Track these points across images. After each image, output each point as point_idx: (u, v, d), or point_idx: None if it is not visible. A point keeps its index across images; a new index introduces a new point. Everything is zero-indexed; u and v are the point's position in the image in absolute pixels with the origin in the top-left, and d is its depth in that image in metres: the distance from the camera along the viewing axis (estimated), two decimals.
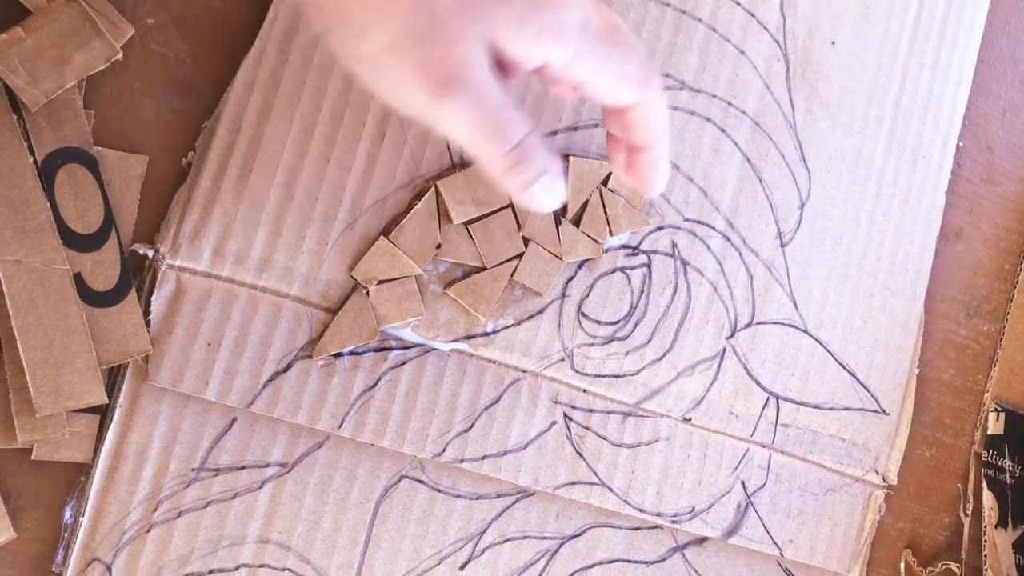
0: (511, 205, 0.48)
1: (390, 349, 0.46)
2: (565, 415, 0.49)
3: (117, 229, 0.43)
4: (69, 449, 0.42)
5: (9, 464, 0.42)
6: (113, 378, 0.43)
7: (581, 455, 0.49)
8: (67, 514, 0.42)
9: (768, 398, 0.53)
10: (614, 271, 0.50)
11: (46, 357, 0.40)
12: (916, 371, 0.57)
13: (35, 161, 0.41)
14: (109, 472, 0.42)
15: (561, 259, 0.49)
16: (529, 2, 0.35)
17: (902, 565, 0.57)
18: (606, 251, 0.50)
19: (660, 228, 0.51)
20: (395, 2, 0.34)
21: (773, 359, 0.53)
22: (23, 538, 0.42)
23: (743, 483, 0.53)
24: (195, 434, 0.44)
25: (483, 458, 0.47)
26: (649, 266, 0.51)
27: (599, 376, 0.50)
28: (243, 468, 0.44)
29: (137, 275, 0.43)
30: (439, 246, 0.47)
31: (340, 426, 0.45)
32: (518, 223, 0.48)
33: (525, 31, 0.35)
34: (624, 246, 0.50)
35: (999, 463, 0.59)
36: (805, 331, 0.54)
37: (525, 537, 0.48)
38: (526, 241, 0.48)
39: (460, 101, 0.34)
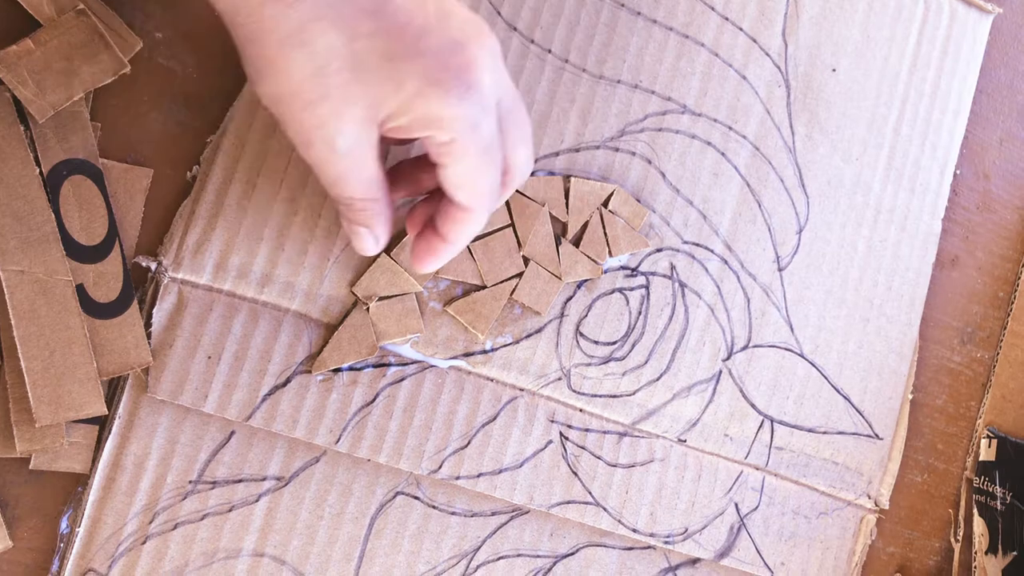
0: (512, 224, 0.48)
1: (389, 365, 0.47)
2: (561, 434, 0.49)
3: (120, 241, 0.43)
4: (67, 459, 0.42)
5: (7, 473, 0.42)
6: (113, 389, 0.43)
7: (576, 474, 0.49)
8: (64, 524, 0.42)
9: (763, 421, 0.53)
10: (613, 292, 0.51)
11: (47, 367, 0.40)
12: (910, 396, 0.57)
13: (41, 172, 0.41)
14: (106, 483, 0.42)
15: (560, 279, 0.49)
16: (420, 90, 0.36)
17: None
18: (605, 272, 0.50)
19: (659, 250, 0.52)
20: (286, 64, 0.36)
21: (768, 382, 0.54)
22: (19, 547, 0.42)
23: (736, 505, 0.53)
24: (193, 446, 0.44)
25: (479, 475, 0.48)
26: (647, 287, 0.51)
27: (596, 396, 0.50)
28: (240, 481, 0.44)
29: (139, 287, 0.44)
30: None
31: (337, 441, 0.45)
32: (519, 242, 0.49)
33: (404, 118, 0.37)
34: (623, 267, 0.51)
35: (990, 489, 0.59)
36: (801, 355, 0.54)
37: (519, 555, 0.49)
38: (526, 260, 0.49)
39: (313, 157, 0.38)
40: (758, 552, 0.53)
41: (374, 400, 0.46)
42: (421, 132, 0.38)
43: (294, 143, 0.39)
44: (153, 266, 0.44)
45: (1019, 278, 0.61)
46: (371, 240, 0.42)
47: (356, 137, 0.37)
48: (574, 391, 0.50)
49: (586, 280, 0.50)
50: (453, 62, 0.36)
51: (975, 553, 0.58)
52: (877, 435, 0.56)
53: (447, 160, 0.39)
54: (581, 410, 0.50)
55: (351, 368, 0.46)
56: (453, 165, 0.39)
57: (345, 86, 0.36)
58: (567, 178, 0.50)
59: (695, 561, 0.52)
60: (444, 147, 0.38)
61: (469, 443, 0.48)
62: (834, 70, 0.55)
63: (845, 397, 0.55)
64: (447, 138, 0.37)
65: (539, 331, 0.49)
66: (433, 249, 0.42)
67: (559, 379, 0.49)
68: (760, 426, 0.53)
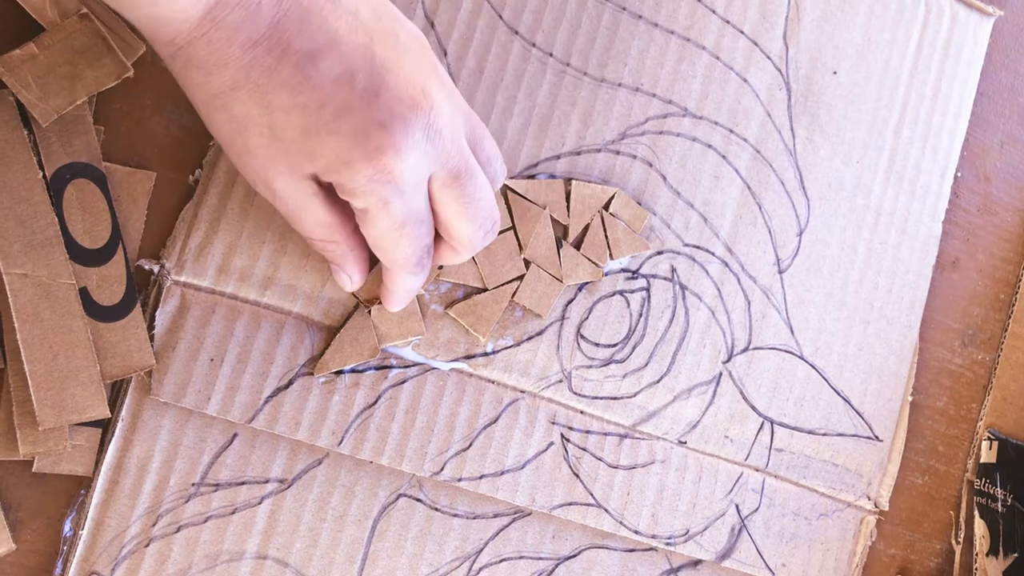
0: (513, 227, 0.49)
1: (390, 368, 0.47)
2: (562, 436, 0.50)
3: (124, 244, 0.43)
4: (70, 462, 0.42)
5: (10, 476, 0.42)
6: (116, 392, 0.43)
7: (578, 476, 0.50)
8: (67, 527, 0.43)
9: (763, 423, 0.54)
10: (613, 294, 0.51)
11: (50, 370, 0.41)
12: (910, 398, 0.57)
13: (44, 175, 0.42)
14: (110, 486, 0.43)
15: (561, 281, 0.49)
16: (330, 166, 0.37)
17: None
18: (606, 274, 0.51)
19: (660, 252, 0.52)
20: (211, 119, 0.39)
21: (769, 384, 0.54)
22: (22, 550, 0.42)
23: (737, 507, 0.53)
24: (196, 449, 0.44)
25: (481, 477, 0.48)
26: (648, 290, 0.51)
27: (596, 398, 0.50)
28: (243, 484, 0.45)
29: (142, 290, 0.44)
30: (441, 267, 0.47)
31: (340, 443, 0.46)
32: (520, 245, 0.49)
33: (326, 178, 0.38)
34: (624, 270, 0.51)
35: (991, 491, 0.59)
36: (801, 357, 0.55)
37: (521, 557, 0.49)
38: (527, 263, 0.49)
39: (263, 194, 0.40)
40: (759, 553, 0.53)
41: (376, 402, 0.46)
42: (340, 194, 0.39)
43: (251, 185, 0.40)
44: (156, 269, 0.44)
45: (1020, 280, 0.61)
46: (344, 278, 0.44)
47: (289, 187, 0.39)
48: (575, 393, 0.50)
49: (587, 283, 0.50)
50: (368, 145, 0.37)
51: (976, 555, 0.59)
52: (877, 437, 0.56)
53: (362, 225, 0.40)
54: (582, 412, 0.50)
55: (353, 370, 0.46)
56: (367, 231, 0.40)
57: (265, 148, 0.37)
58: (568, 181, 0.50)
59: (697, 563, 0.53)
60: (359, 213, 0.39)
61: (471, 445, 0.48)
62: (835, 73, 0.55)
63: (845, 399, 0.55)
64: (361, 206, 0.39)
65: (540, 333, 0.49)
66: (383, 297, 0.45)
67: (560, 381, 0.50)
68: (760, 428, 0.54)
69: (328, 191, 0.40)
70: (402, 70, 0.38)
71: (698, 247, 0.52)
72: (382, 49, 0.37)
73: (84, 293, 0.42)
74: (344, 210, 0.41)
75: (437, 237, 0.43)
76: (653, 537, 0.51)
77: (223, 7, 0.36)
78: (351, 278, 0.44)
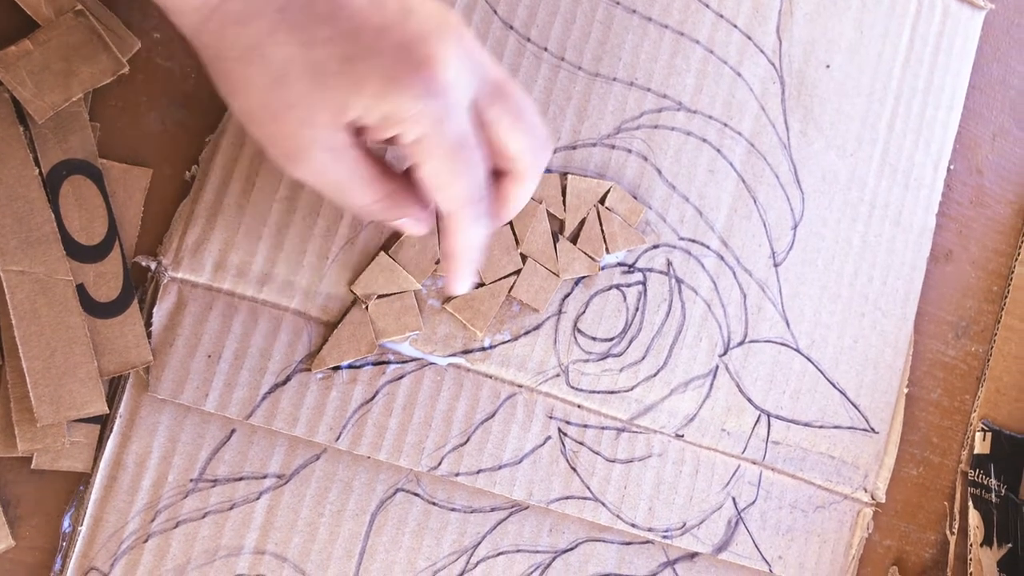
0: (509, 222, 0.49)
1: (388, 363, 0.47)
2: (560, 430, 0.50)
3: (120, 241, 0.43)
4: (69, 458, 0.42)
5: (9, 472, 0.42)
6: (114, 388, 0.43)
7: (575, 470, 0.50)
8: (66, 523, 0.43)
9: (759, 415, 0.54)
10: (610, 288, 0.51)
11: (48, 367, 0.41)
12: (905, 390, 0.58)
13: (40, 172, 0.42)
14: (108, 482, 0.43)
15: (558, 276, 0.49)
16: (379, 90, 0.36)
17: None
18: (602, 268, 0.51)
19: (656, 246, 0.52)
20: (247, 80, 0.37)
21: (765, 377, 0.54)
22: (22, 546, 0.42)
23: (734, 499, 0.53)
24: (194, 445, 0.44)
25: (478, 472, 0.48)
26: (644, 284, 0.52)
27: (594, 392, 0.50)
28: (241, 479, 0.45)
29: (139, 287, 0.44)
30: (438, 262, 0.47)
31: (337, 439, 0.46)
32: (516, 240, 0.49)
33: (370, 119, 0.37)
34: (620, 264, 0.51)
35: (985, 482, 0.59)
36: (797, 350, 0.55)
37: (518, 551, 0.49)
38: (524, 258, 0.49)
39: (303, 172, 0.38)
40: (756, 546, 0.54)
41: (374, 398, 0.46)
42: (389, 132, 0.37)
43: (281, 165, 0.39)
44: (153, 265, 0.44)
45: (1012, 272, 0.62)
46: (413, 224, 0.41)
47: (331, 142, 0.37)
48: (572, 387, 0.50)
49: (583, 277, 0.50)
50: (412, 58, 0.36)
51: (970, 545, 0.59)
52: (873, 429, 0.57)
53: (418, 160, 0.38)
54: (579, 406, 0.50)
55: (350, 366, 0.46)
56: (424, 165, 0.38)
57: (307, 94, 0.36)
58: (564, 175, 0.50)
59: (693, 555, 0.53)
60: (413, 147, 0.38)
61: (468, 440, 0.48)
62: (828, 66, 0.56)
63: (841, 391, 0.56)
64: (413, 137, 0.37)
65: (537, 328, 0.49)
66: (445, 270, 0.43)
67: (557, 375, 0.50)
68: (757, 421, 0.54)
69: (366, 150, 0.39)
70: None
71: (694, 241, 0.53)
72: None
73: (81, 289, 0.42)
74: (385, 166, 0.40)
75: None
76: (650, 530, 0.51)
77: None
78: (419, 220, 0.41)
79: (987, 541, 0.59)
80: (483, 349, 0.48)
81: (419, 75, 0.36)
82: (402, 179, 0.40)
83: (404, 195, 0.40)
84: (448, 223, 0.40)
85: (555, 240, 0.50)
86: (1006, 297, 0.61)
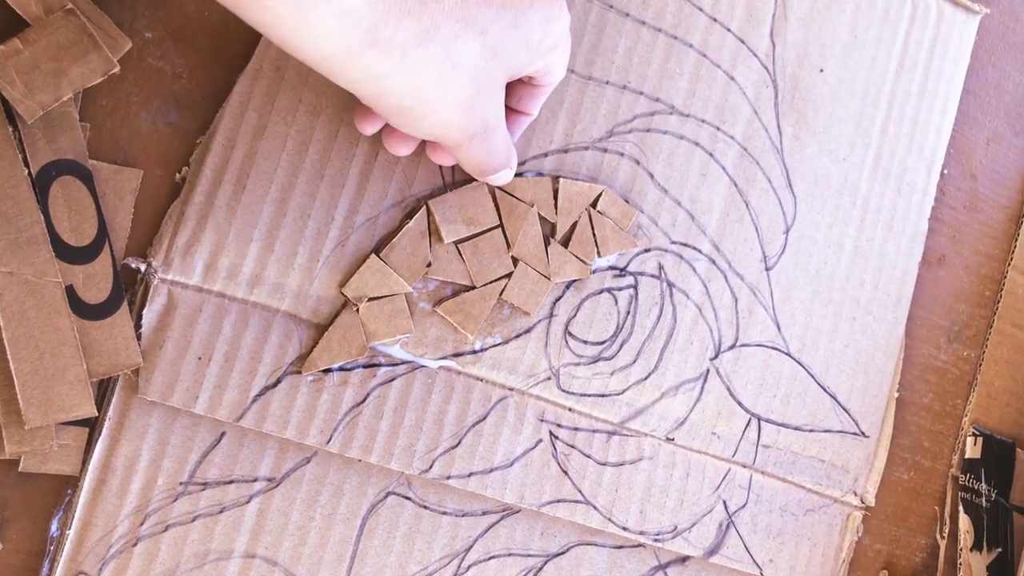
0: (501, 225, 0.49)
1: (379, 366, 0.47)
2: (551, 433, 0.50)
3: (110, 242, 0.43)
4: (57, 461, 0.42)
5: None
6: (103, 391, 0.43)
7: (566, 473, 0.50)
8: (54, 526, 0.42)
9: (750, 419, 0.54)
10: (601, 292, 0.51)
11: (36, 369, 0.40)
12: (896, 395, 0.58)
13: (30, 173, 0.41)
14: (97, 485, 0.42)
15: (549, 279, 0.49)
16: (543, 36, 0.42)
17: None
18: (594, 272, 0.51)
19: (647, 250, 0.52)
20: (444, 93, 0.40)
21: (756, 381, 0.54)
22: (8, 549, 0.42)
23: (724, 503, 0.53)
24: (184, 448, 0.44)
25: (469, 475, 0.48)
26: (636, 287, 0.51)
27: (585, 395, 0.50)
28: (231, 482, 0.44)
29: (129, 288, 0.44)
30: (429, 264, 0.47)
31: (328, 442, 0.45)
32: (508, 243, 0.49)
33: (544, 48, 0.43)
34: (612, 267, 0.51)
35: (976, 487, 0.59)
36: (788, 354, 0.55)
37: (510, 554, 0.49)
38: (515, 261, 0.49)
39: (480, 146, 0.43)
40: (747, 549, 0.54)
41: (364, 400, 0.46)
42: (541, 64, 0.44)
43: (468, 146, 0.43)
44: (143, 267, 0.44)
45: (1005, 277, 0.62)
46: (508, 172, 0.47)
47: (500, 109, 0.43)
48: (563, 390, 0.50)
49: (575, 280, 0.50)
50: (553, 4, 0.42)
51: (960, 550, 0.59)
52: (863, 433, 0.57)
53: (549, 79, 0.46)
54: (570, 409, 0.50)
55: (341, 368, 0.46)
56: (559, 65, 0.45)
57: (490, 74, 0.40)
58: (556, 179, 0.50)
59: (685, 559, 0.53)
60: (548, 72, 0.45)
61: (459, 443, 0.48)
62: (822, 70, 0.56)
63: (832, 395, 0.56)
64: (557, 58, 0.44)
65: (528, 331, 0.49)
66: (522, 124, 0.49)
67: (548, 379, 0.50)
68: (747, 424, 0.54)
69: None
70: None
71: (685, 244, 0.53)
72: None
73: (70, 291, 0.42)
74: None
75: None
76: (641, 534, 0.51)
77: None
78: (513, 167, 0.47)
79: (977, 545, 0.59)
80: (474, 352, 0.48)
81: (563, 10, 0.43)
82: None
83: (511, 143, 0.47)
84: (544, 91, 0.47)
85: (546, 243, 0.49)
86: (998, 302, 0.61)
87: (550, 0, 0.42)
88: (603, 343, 0.51)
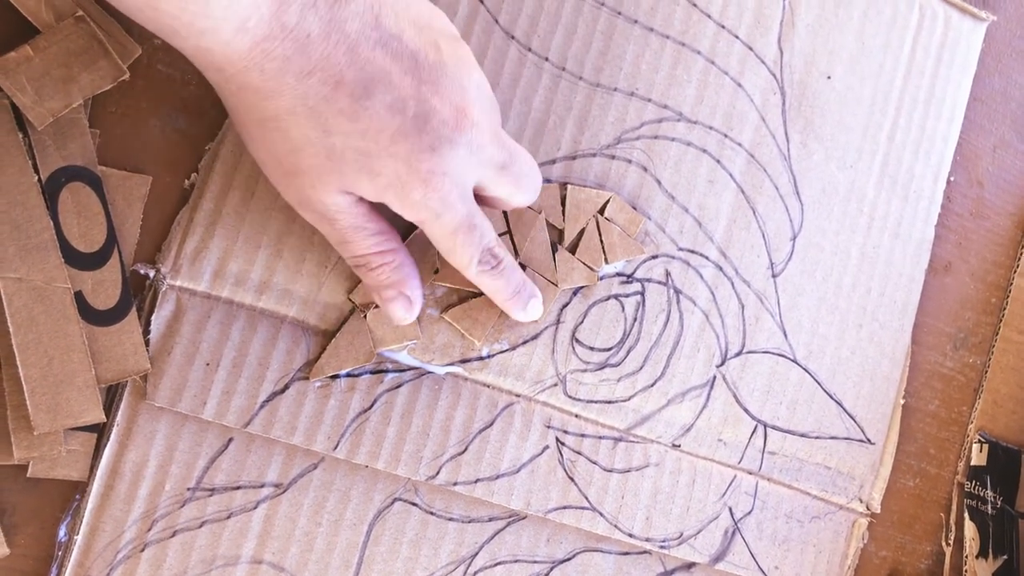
0: (509, 231, 0.49)
1: (386, 372, 0.47)
2: (557, 440, 0.50)
3: (119, 248, 0.43)
4: (65, 467, 0.42)
5: (4, 481, 0.42)
6: (111, 397, 0.43)
7: (572, 479, 0.50)
8: (62, 532, 0.43)
9: (756, 426, 0.54)
10: (608, 298, 0.51)
11: (45, 375, 0.40)
12: (902, 402, 0.58)
13: (39, 179, 0.41)
14: (105, 490, 0.43)
15: (556, 286, 0.49)
16: (388, 184, 0.40)
17: None
18: (601, 278, 0.51)
19: (654, 257, 0.52)
20: (264, 139, 0.39)
21: (762, 388, 0.54)
22: (17, 555, 0.42)
23: (730, 509, 0.53)
24: (191, 453, 0.44)
25: (476, 481, 0.48)
26: (643, 294, 0.52)
27: (591, 402, 0.50)
28: (238, 488, 0.45)
29: (138, 294, 0.44)
30: (437, 271, 0.47)
31: (335, 447, 0.46)
32: (515, 249, 0.49)
33: (377, 197, 0.40)
34: (619, 274, 0.51)
35: (981, 494, 0.59)
36: (794, 360, 0.55)
37: (516, 561, 0.49)
38: (523, 267, 0.49)
39: (310, 217, 0.42)
40: (752, 556, 0.54)
41: (372, 406, 0.46)
42: (393, 208, 0.41)
43: (292, 205, 0.42)
44: (151, 273, 0.44)
45: (1011, 284, 0.62)
46: (403, 304, 0.44)
47: (340, 202, 0.40)
48: (570, 397, 0.50)
49: (582, 287, 0.50)
50: (422, 168, 0.39)
51: (966, 557, 0.59)
52: (869, 440, 0.57)
53: (425, 230, 0.42)
54: (577, 416, 0.50)
55: (349, 375, 0.46)
56: (430, 236, 0.42)
57: (319, 168, 0.39)
58: (563, 185, 0.50)
59: (691, 565, 0.53)
60: (418, 223, 0.42)
61: (466, 449, 0.48)
62: (829, 78, 0.56)
63: (838, 402, 0.56)
64: (415, 219, 0.41)
65: (535, 337, 0.49)
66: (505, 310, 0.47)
67: (555, 385, 0.50)
68: (753, 431, 0.54)
69: (371, 205, 0.41)
70: (445, 90, 0.39)
71: (692, 251, 0.53)
72: (427, 71, 0.39)
73: (79, 297, 0.42)
74: (387, 223, 0.43)
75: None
76: (647, 540, 0.51)
77: (272, 40, 0.36)
78: (412, 300, 0.44)
79: (983, 553, 0.59)
80: (481, 358, 0.48)
81: (425, 184, 0.39)
82: (401, 242, 0.44)
83: (405, 251, 0.44)
84: (469, 278, 0.44)
85: (554, 250, 0.49)
86: (1005, 309, 0.61)
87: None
88: (610, 349, 0.51)
